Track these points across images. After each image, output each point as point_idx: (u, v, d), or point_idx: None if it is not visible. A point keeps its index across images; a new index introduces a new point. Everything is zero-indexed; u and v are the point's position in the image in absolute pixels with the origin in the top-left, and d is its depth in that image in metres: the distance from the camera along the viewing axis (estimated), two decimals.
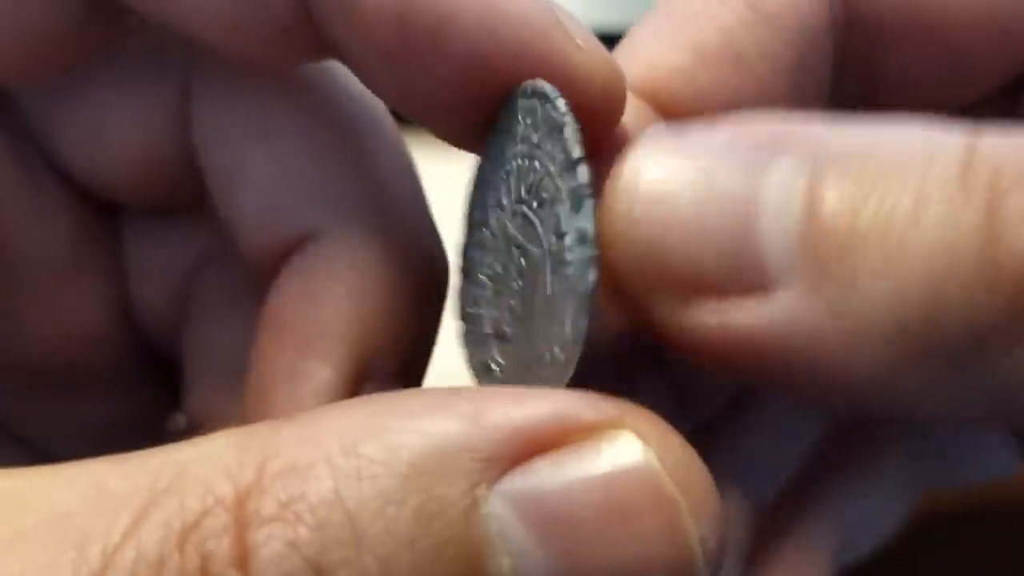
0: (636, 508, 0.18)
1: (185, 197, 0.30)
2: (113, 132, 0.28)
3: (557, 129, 0.21)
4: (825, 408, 0.31)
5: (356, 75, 0.25)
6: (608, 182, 0.21)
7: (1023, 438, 0.33)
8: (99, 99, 0.28)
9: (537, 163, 0.22)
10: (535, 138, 0.22)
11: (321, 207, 0.26)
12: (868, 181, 0.19)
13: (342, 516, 0.17)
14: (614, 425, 0.18)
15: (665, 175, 0.20)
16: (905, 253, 0.18)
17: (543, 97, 0.22)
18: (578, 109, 0.22)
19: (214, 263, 0.31)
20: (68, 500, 0.17)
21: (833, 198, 0.19)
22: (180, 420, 0.35)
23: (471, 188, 0.24)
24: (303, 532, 0.17)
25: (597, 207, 0.21)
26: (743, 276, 0.19)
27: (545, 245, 0.21)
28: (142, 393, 0.33)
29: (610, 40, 0.24)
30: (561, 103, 0.21)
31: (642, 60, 0.24)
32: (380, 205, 0.26)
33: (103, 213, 0.30)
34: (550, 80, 0.22)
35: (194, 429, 0.30)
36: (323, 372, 0.25)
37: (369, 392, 0.25)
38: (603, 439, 0.18)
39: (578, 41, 0.22)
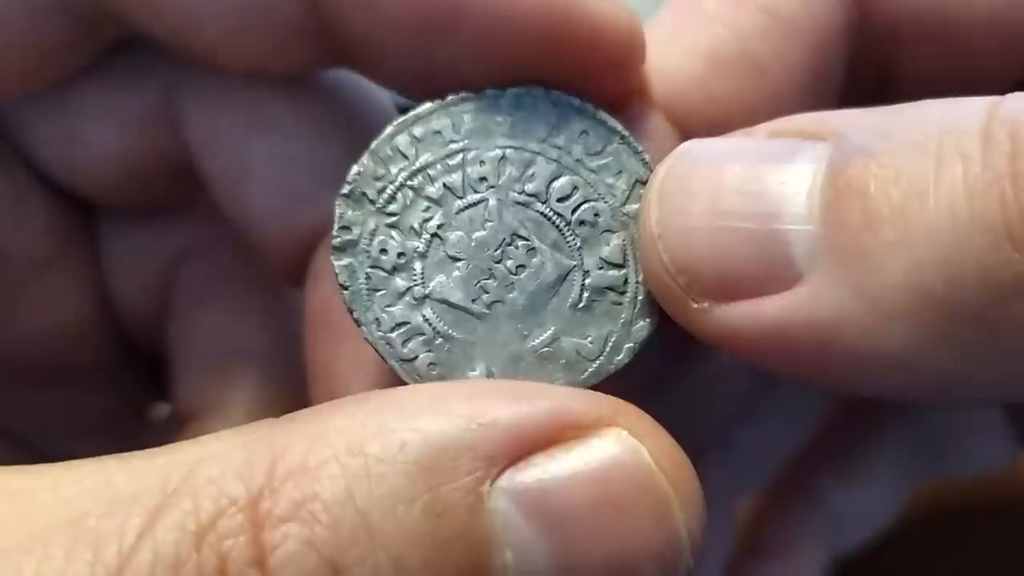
0: (630, 500, 0.18)
1: (165, 197, 0.30)
2: (90, 133, 0.28)
3: (635, 176, 0.23)
4: (854, 394, 0.30)
5: (367, 73, 0.25)
6: (643, 196, 0.22)
7: (1019, 428, 0.33)
8: (76, 101, 0.27)
9: (580, 179, 0.23)
10: (589, 162, 0.23)
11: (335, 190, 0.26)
12: (888, 156, 0.19)
13: (355, 515, 0.17)
14: (607, 422, 0.19)
15: (694, 186, 0.20)
16: (923, 219, 0.18)
17: (622, 138, 0.23)
18: (600, 61, 0.22)
19: (196, 257, 0.31)
20: (80, 499, 0.17)
21: (852, 179, 0.19)
22: (161, 411, 0.35)
23: (430, 139, 0.23)
24: (319, 531, 0.17)
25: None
26: (773, 274, 0.19)
27: (581, 262, 0.22)
28: (123, 386, 0.33)
29: None
30: (648, 157, 0.23)
31: (656, 67, 0.24)
32: None
33: (80, 209, 0.30)
34: (574, 34, 0.22)
35: (183, 420, 0.30)
36: None
37: None
38: (597, 435, 0.19)
39: None
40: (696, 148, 0.21)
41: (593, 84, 0.23)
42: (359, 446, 0.18)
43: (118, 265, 0.31)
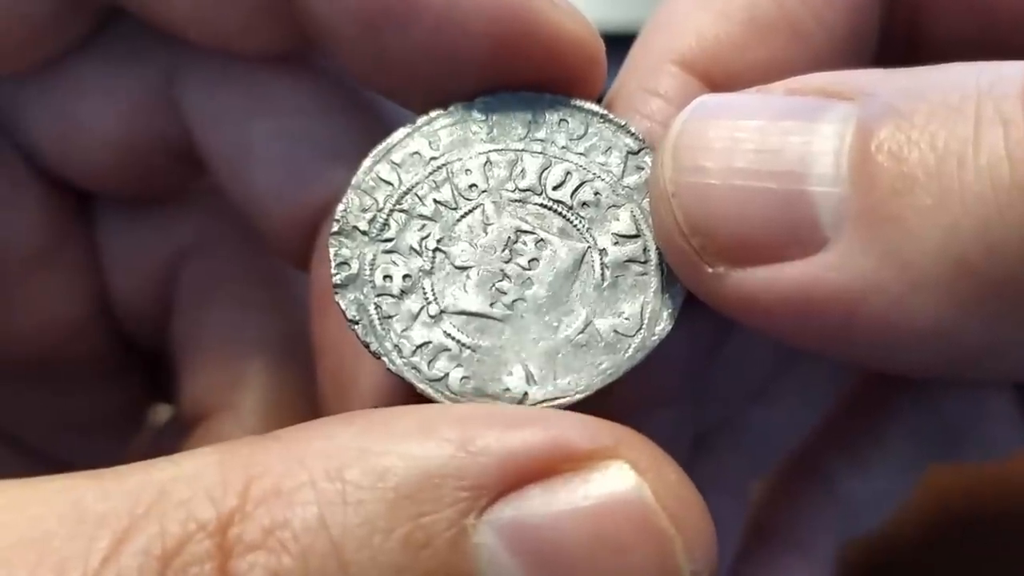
0: (627, 541, 0.17)
1: (165, 185, 0.29)
2: (87, 119, 0.27)
3: (627, 149, 0.22)
4: (875, 368, 0.30)
5: (333, 60, 0.24)
6: (656, 152, 0.21)
7: None
8: (73, 85, 0.27)
9: (571, 164, 0.22)
10: (575, 147, 0.23)
11: (337, 169, 0.25)
12: (921, 118, 0.18)
13: (326, 545, 0.16)
14: (609, 453, 0.18)
15: (710, 141, 0.19)
16: (961, 184, 0.17)
17: (602, 117, 0.23)
18: (555, 72, 0.22)
19: (199, 254, 0.30)
20: (45, 519, 0.16)
21: (884, 141, 0.18)
22: (160, 413, 0.34)
23: (410, 161, 0.23)
24: (286, 561, 0.16)
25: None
26: (796, 236, 0.19)
27: (594, 242, 0.22)
28: (122, 386, 0.32)
29: (611, 41, 0.23)
30: (633, 128, 0.23)
31: (690, 31, 0.23)
32: None
33: (76, 201, 0.29)
34: (532, 38, 0.22)
35: (190, 421, 0.30)
36: None
37: None
38: (596, 469, 0.17)
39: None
40: (712, 102, 0.20)
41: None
42: (338, 470, 0.17)
43: (117, 261, 0.30)
